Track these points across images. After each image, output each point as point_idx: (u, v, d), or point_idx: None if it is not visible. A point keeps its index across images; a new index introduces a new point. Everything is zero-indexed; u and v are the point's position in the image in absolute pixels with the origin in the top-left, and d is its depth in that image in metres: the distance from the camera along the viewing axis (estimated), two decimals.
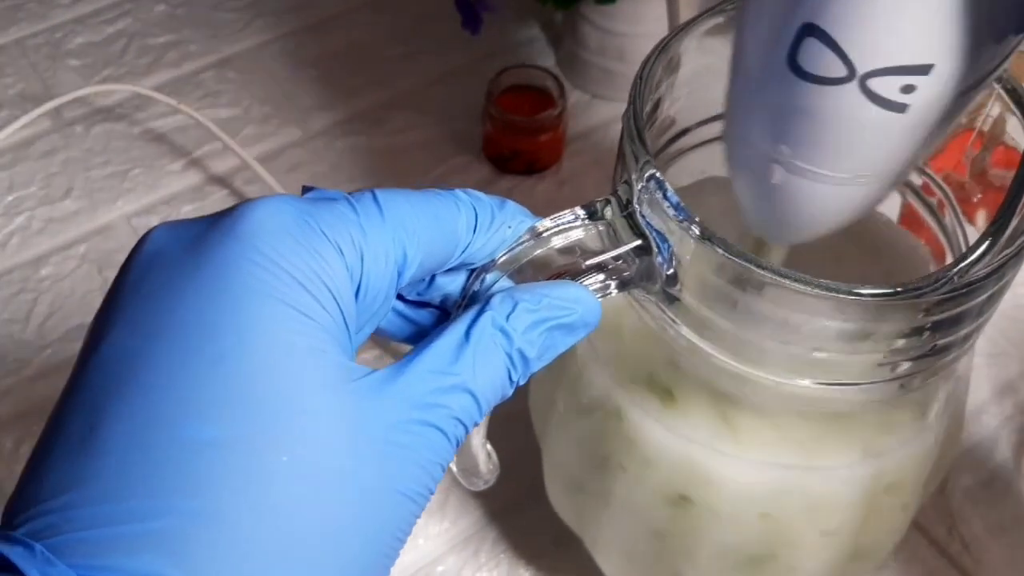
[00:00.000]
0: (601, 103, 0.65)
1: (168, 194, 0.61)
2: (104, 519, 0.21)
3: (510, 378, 0.26)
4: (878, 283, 0.28)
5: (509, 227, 0.28)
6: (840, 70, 0.27)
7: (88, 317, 0.55)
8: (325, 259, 0.24)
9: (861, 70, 0.27)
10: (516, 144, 0.60)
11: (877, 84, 0.27)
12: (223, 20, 0.69)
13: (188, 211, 0.60)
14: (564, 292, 0.27)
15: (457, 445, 0.25)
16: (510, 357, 0.26)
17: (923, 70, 0.27)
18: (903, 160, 0.30)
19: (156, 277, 0.24)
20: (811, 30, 0.27)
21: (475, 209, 0.27)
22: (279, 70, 0.67)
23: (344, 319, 0.24)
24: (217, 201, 0.60)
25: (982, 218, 0.35)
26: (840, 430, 0.35)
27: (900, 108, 0.27)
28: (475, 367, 0.25)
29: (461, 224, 0.27)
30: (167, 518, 0.21)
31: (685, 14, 0.57)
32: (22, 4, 0.70)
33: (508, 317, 0.26)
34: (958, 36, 0.26)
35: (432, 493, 0.25)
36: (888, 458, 0.35)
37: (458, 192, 0.27)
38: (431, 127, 0.64)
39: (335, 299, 0.24)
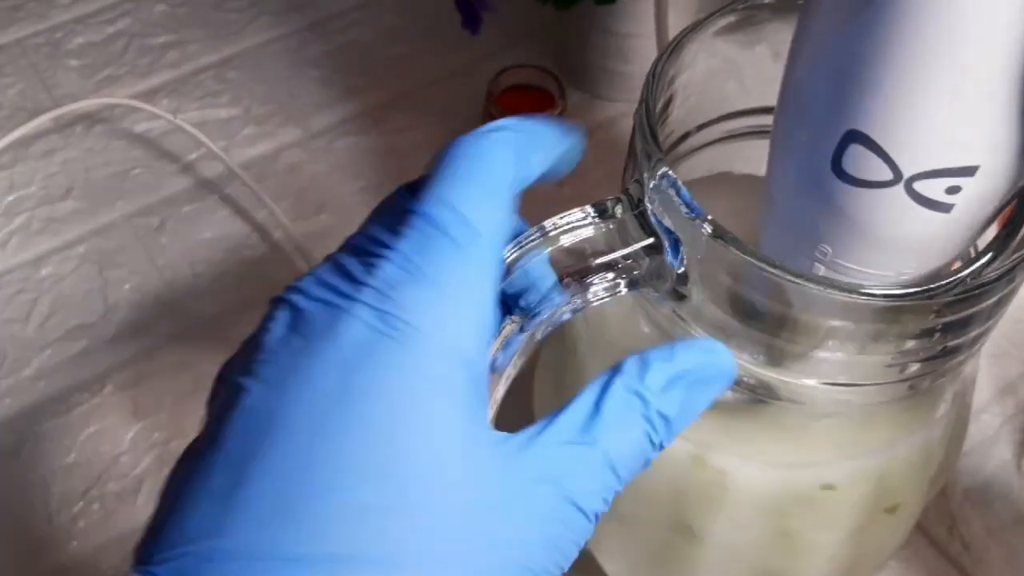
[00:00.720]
0: (601, 103, 0.65)
1: (168, 194, 0.60)
2: (248, 562, 0.22)
3: (651, 442, 0.26)
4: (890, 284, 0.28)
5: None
6: (886, 174, 0.27)
7: (88, 317, 0.55)
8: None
9: (907, 173, 0.27)
10: None
11: (922, 187, 0.27)
12: (223, 20, 0.69)
13: (188, 211, 0.60)
14: (698, 346, 0.27)
15: (596, 520, 0.25)
16: (649, 421, 0.26)
17: (968, 172, 0.27)
18: (947, 255, 0.30)
19: (303, 337, 0.24)
20: (856, 137, 0.27)
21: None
22: (279, 70, 0.67)
23: (480, 377, 0.25)
24: (217, 201, 0.60)
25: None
26: (846, 430, 0.34)
27: (946, 208, 0.27)
28: (611, 437, 0.25)
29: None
30: (312, 564, 0.22)
31: (675, 17, 0.57)
32: (22, 4, 0.70)
33: (642, 378, 0.26)
34: (1002, 137, 0.26)
35: (563, 572, 0.25)
36: (893, 459, 0.35)
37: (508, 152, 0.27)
38: (431, 127, 0.64)
39: (471, 364, 0.24)
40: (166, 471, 0.53)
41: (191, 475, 0.24)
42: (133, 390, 0.53)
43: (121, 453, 0.51)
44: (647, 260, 0.29)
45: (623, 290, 0.29)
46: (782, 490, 0.34)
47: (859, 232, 0.29)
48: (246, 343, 0.26)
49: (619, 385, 0.26)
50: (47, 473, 0.50)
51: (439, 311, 0.24)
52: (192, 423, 0.52)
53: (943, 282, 0.28)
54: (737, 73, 0.36)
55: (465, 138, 0.27)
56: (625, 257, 0.29)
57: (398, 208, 0.26)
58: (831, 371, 0.30)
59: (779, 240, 0.32)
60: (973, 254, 0.34)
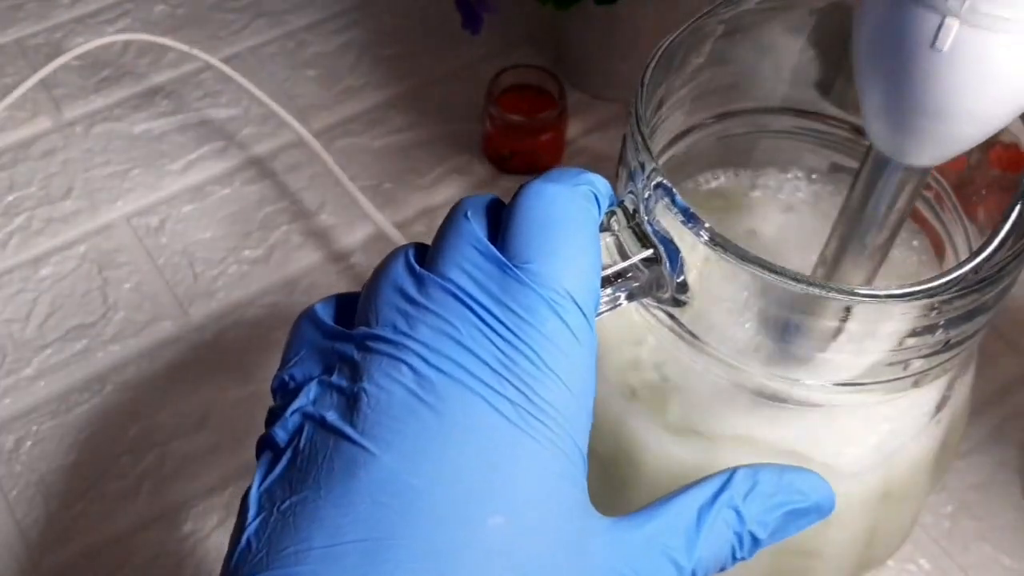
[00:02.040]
0: (601, 103, 0.65)
1: (168, 194, 0.61)
2: None
3: (734, 555, 0.27)
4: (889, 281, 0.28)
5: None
6: None
7: (88, 317, 0.55)
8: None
9: None
10: (516, 144, 0.60)
11: None
12: (223, 20, 0.69)
13: (188, 211, 0.60)
14: (802, 478, 0.28)
15: None
16: (739, 537, 0.27)
17: None
18: None
19: (435, 412, 0.24)
20: None
21: (599, 205, 0.28)
22: (279, 70, 0.67)
23: (585, 457, 0.26)
24: (217, 201, 0.60)
25: (983, 214, 0.35)
26: (851, 427, 0.34)
27: None
28: (703, 554, 0.26)
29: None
30: None
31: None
32: (22, 4, 0.70)
33: (745, 498, 0.27)
34: None
35: None
36: (899, 451, 0.35)
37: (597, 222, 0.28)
38: (431, 127, 0.64)
39: (582, 450, 0.26)
40: (166, 471, 0.53)
41: (309, 532, 0.24)
42: (133, 390, 0.53)
43: (121, 453, 0.51)
44: (646, 271, 0.29)
45: (623, 302, 0.29)
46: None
47: None
48: (337, 387, 0.25)
49: (723, 501, 0.27)
50: (47, 473, 0.50)
51: (568, 411, 0.25)
52: (192, 423, 0.52)
53: (944, 280, 0.28)
54: (729, 74, 0.36)
55: (564, 192, 0.27)
56: (624, 270, 0.29)
57: (487, 255, 0.26)
58: (835, 372, 0.30)
59: (890, 1, 0.26)
60: (963, 244, 0.34)
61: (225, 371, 0.54)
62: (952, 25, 0.24)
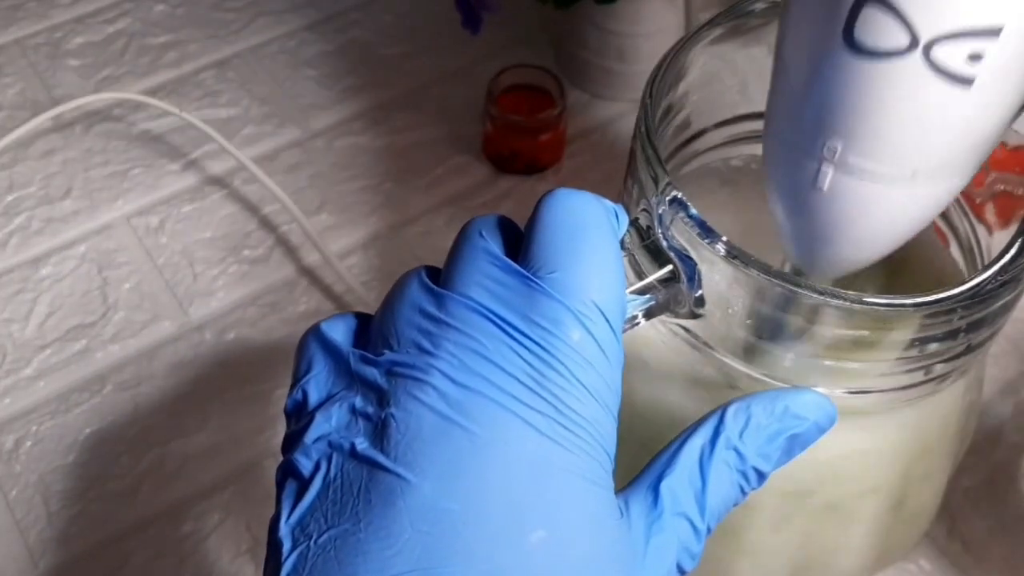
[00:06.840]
0: (601, 103, 0.65)
1: (168, 194, 0.61)
2: None
3: (743, 492, 0.27)
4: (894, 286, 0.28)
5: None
6: (902, 40, 0.25)
7: (87, 317, 0.55)
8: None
9: (925, 37, 0.25)
10: (516, 144, 0.60)
11: (941, 53, 0.25)
12: (223, 20, 0.69)
13: (188, 211, 0.60)
14: (797, 400, 0.27)
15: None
16: (744, 475, 0.27)
17: (992, 33, 0.25)
18: (966, 149, 0.28)
19: (467, 433, 0.24)
20: None
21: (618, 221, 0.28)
22: (279, 70, 0.67)
23: (611, 459, 0.26)
24: (217, 201, 0.60)
25: (991, 212, 0.35)
26: (868, 426, 0.34)
27: (966, 82, 0.26)
28: (714, 502, 0.26)
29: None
30: None
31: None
32: (22, 4, 0.70)
33: (742, 435, 0.27)
34: None
35: None
36: (914, 451, 0.35)
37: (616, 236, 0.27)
38: (431, 127, 0.64)
39: (612, 453, 0.26)
40: (166, 471, 0.53)
41: (354, 567, 0.23)
42: (133, 390, 0.53)
43: (121, 453, 0.51)
44: (663, 288, 0.29)
45: (641, 321, 0.29)
46: (809, 478, 0.34)
47: (872, 116, 0.27)
48: (363, 413, 0.25)
49: (721, 444, 0.27)
50: (47, 473, 0.50)
51: (596, 420, 0.25)
52: (192, 423, 0.52)
53: (972, 284, 0.28)
54: (734, 79, 0.36)
55: (589, 199, 0.27)
56: (643, 289, 0.29)
57: (507, 270, 0.25)
58: (857, 380, 0.30)
59: (782, 149, 0.30)
60: (968, 239, 0.34)
61: (225, 371, 0.54)
62: (828, 171, 0.28)
